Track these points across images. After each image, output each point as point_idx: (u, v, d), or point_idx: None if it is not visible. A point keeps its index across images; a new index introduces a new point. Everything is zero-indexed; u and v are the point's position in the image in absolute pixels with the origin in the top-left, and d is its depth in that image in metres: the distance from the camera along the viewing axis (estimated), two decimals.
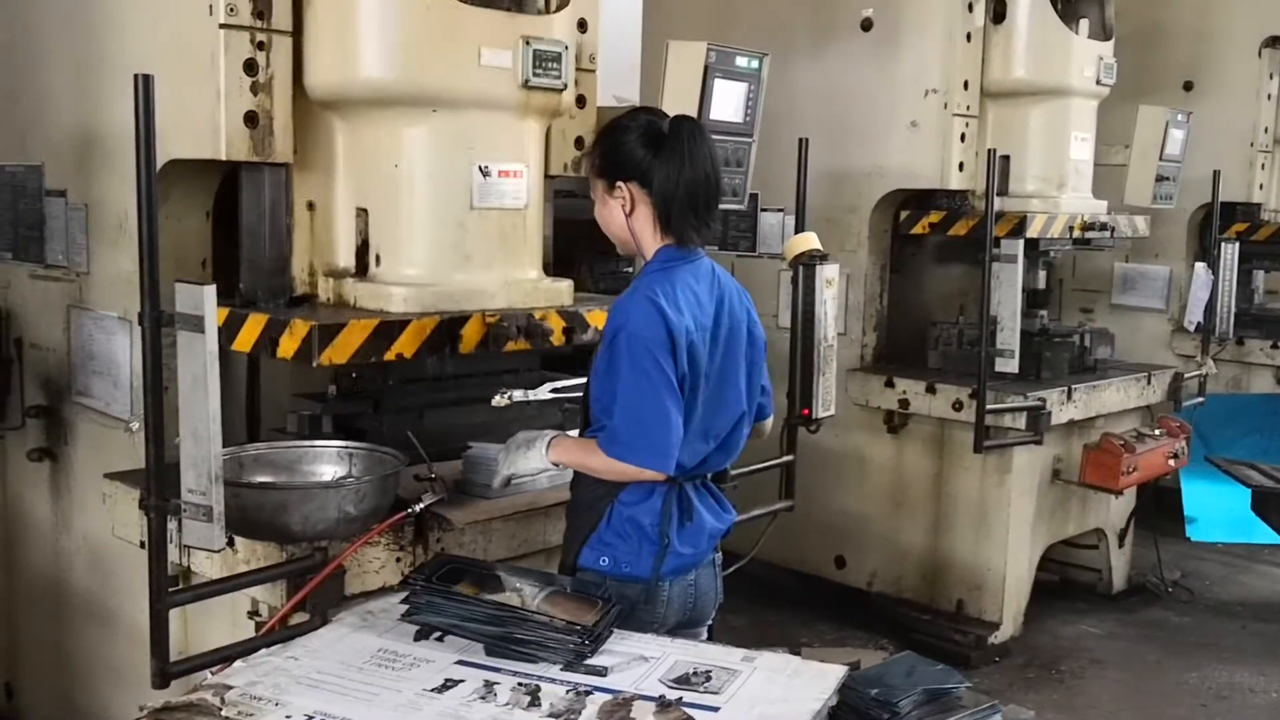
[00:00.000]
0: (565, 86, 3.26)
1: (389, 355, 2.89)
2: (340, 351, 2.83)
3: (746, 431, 2.94)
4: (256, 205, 3.12)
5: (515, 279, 3.23)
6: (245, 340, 2.97)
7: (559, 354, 3.50)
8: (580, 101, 3.55)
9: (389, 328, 2.89)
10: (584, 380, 2.90)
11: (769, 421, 3.12)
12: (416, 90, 3.08)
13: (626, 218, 2.80)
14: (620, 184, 2.78)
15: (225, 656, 2.49)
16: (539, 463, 2.83)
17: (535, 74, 3.16)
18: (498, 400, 3.07)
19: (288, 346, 2.85)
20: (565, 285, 3.38)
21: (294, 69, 3.03)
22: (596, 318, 3.22)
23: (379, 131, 3.12)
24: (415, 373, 3.41)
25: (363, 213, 3.16)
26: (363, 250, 3.18)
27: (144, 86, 2.42)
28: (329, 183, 3.18)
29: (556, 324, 3.17)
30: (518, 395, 3.10)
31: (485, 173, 3.13)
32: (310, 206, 3.19)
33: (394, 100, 3.09)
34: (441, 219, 3.14)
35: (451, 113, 3.10)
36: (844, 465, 5.78)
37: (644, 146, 2.76)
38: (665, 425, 2.66)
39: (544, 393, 3.14)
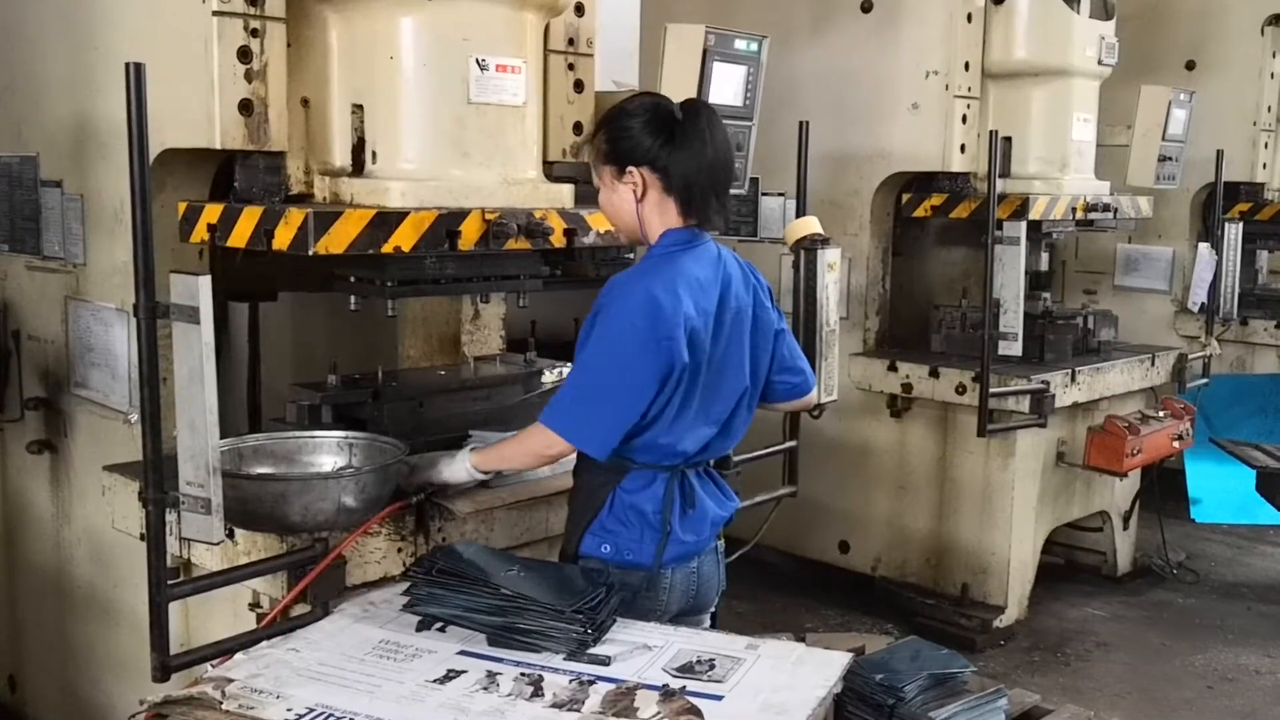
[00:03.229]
0: None
1: (387, 247, 2.82)
2: (336, 241, 2.77)
3: (748, 416, 2.92)
4: (251, 194, 3.09)
5: (514, 178, 3.16)
6: (240, 235, 2.90)
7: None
8: (578, 86, 3.52)
9: (386, 218, 2.83)
10: None
11: (811, 396, 3.14)
12: None
13: (637, 203, 2.77)
14: (632, 169, 2.75)
15: (226, 649, 2.48)
16: (463, 474, 2.87)
17: None
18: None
19: (283, 237, 2.80)
20: (566, 189, 3.30)
21: None
22: (599, 220, 3.13)
23: (374, 22, 3.04)
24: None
25: (358, 109, 3.10)
26: (359, 148, 3.12)
27: (135, 75, 2.39)
28: (323, 79, 3.11)
29: (557, 224, 3.10)
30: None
31: (483, 66, 3.05)
32: (304, 103, 3.11)
33: None
34: (438, 113, 3.06)
35: (447, 1, 3.02)
36: (847, 450, 5.77)
37: (655, 130, 2.73)
38: (614, 409, 2.63)
39: None
